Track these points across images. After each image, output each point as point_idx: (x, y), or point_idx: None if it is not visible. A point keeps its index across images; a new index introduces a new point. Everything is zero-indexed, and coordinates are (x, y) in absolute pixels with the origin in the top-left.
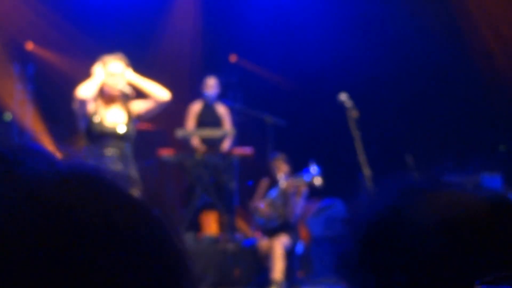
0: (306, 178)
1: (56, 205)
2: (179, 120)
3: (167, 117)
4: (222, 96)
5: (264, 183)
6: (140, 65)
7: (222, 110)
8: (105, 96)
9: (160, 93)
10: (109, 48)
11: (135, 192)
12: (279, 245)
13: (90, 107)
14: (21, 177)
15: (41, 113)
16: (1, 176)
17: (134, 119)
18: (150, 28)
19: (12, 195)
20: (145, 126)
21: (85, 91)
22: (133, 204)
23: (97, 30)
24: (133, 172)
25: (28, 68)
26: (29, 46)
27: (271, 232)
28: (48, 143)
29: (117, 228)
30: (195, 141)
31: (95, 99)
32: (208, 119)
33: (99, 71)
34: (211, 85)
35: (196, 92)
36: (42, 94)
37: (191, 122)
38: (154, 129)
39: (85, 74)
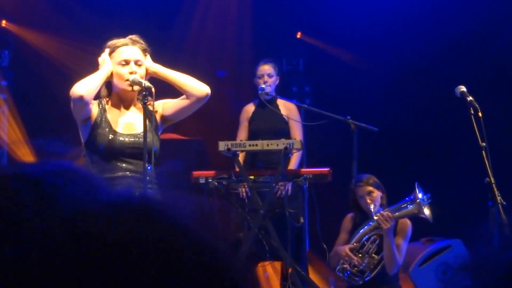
0: (410, 209)
1: (109, 243)
2: (223, 128)
3: (205, 123)
4: (284, 91)
5: (348, 218)
6: (165, 52)
7: (287, 110)
8: (116, 96)
9: (197, 86)
10: (120, 29)
11: None
12: None
13: (95, 111)
14: (62, 207)
15: (21, 117)
16: (38, 205)
17: (158, 126)
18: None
19: (54, 229)
20: (174, 135)
21: (83, 87)
22: (188, 233)
23: (103, 6)
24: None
25: (1, 57)
26: (3, 24)
27: None
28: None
29: (176, 261)
30: (244, 158)
31: (102, 100)
32: (263, 124)
33: (106, 60)
34: (267, 73)
35: (244, 88)
36: (23, 91)
37: (243, 130)
38: (187, 140)
39: (87, 65)
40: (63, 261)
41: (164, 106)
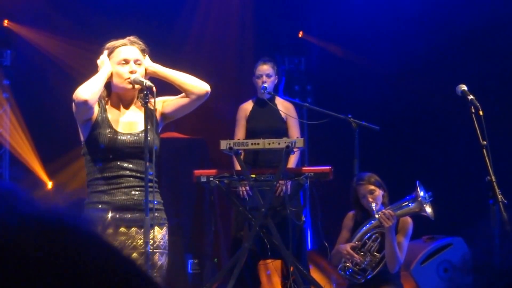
0: (411, 207)
1: (11, 251)
2: (224, 127)
3: (207, 123)
4: (286, 90)
5: (350, 216)
6: (166, 52)
7: (285, 109)
8: (116, 96)
9: (196, 84)
10: (123, 28)
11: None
12: None
13: (95, 111)
14: None
15: (23, 116)
16: None
17: (158, 125)
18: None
19: None
20: (175, 134)
21: (87, 91)
22: (98, 245)
23: (105, 5)
24: (159, 204)
25: (3, 56)
26: (5, 23)
27: (364, 287)
28: (33, 163)
29: (75, 275)
30: (244, 157)
31: (102, 100)
32: (262, 123)
33: (105, 62)
34: (265, 73)
35: (246, 87)
36: (25, 90)
37: (240, 130)
38: (189, 139)
39: (89, 64)
40: None
41: (164, 104)
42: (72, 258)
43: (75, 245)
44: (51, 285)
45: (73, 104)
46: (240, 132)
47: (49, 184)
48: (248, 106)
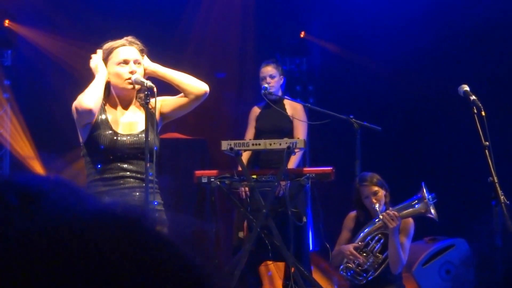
0: (416, 208)
1: (85, 247)
2: (225, 128)
3: (207, 123)
4: (288, 91)
5: (351, 216)
6: (167, 53)
7: (292, 109)
8: (115, 97)
9: (195, 84)
10: (123, 28)
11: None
12: None
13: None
14: (46, 212)
15: (23, 117)
16: (23, 210)
17: (157, 125)
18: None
19: (37, 232)
20: (176, 135)
21: (90, 99)
22: (171, 251)
23: (106, 5)
24: (159, 204)
25: (4, 56)
26: (6, 23)
27: None
28: (33, 163)
29: (152, 276)
30: (248, 158)
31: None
32: (268, 124)
33: (99, 65)
34: (268, 74)
35: (247, 87)
36: (25, 93)
37: (250, 131)
38: (190, 140)
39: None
40: (41, 263)
41: (163, 104)
42: (149, 255)
43: (150, 242)
44: (129, 280)
45: (75, 111)
46: (249, 133)
47: None
48: (257, 108)
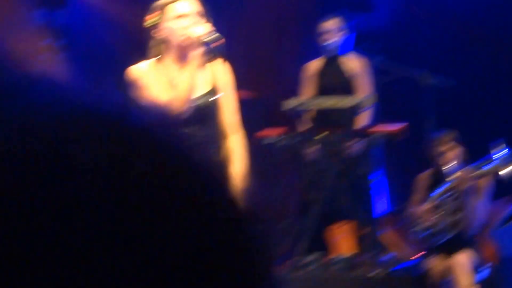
0: (490, 167)
1: (49, 143)
2: (289, 86)
3: (271, 81)
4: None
5: (424, 176)
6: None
7: (354, 66)
8: (175, 54)
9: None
10: None
11: None
12: (463, 264)
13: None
14: (18, 112)
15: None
16: None
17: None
18: None
19: (3, 135)
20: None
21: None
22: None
23: None
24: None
25: (57, 16)
26: None
27: (441, 249)
28: None
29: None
30: (312, 116)
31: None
32: (331, 82)
33: (162, 26)
34: (331, 29)
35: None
36: (80, 54)
37: (308, 88)
38: (252, 99)
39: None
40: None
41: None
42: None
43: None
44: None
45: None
46: (307, 91)
47: None
48: (314, 65)
